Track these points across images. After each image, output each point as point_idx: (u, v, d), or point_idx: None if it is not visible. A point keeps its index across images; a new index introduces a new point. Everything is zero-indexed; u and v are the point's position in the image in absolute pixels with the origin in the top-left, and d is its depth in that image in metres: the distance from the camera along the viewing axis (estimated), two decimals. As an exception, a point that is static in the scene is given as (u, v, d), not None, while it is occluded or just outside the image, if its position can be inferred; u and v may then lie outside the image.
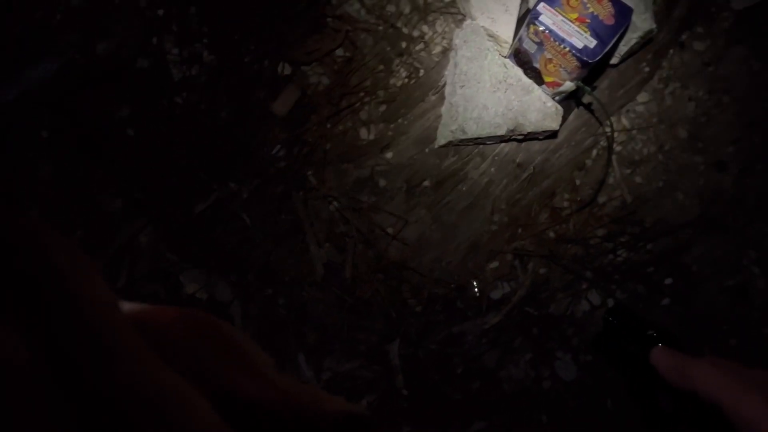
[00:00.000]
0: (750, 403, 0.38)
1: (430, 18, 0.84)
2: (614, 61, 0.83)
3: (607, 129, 0.86)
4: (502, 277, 0.80)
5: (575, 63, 0.73)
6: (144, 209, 0.75)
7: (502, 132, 0.79)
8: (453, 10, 0.83)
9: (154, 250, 0.74)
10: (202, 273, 0.75)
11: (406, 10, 0.84)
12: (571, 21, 0.73)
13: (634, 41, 0.80)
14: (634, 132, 0.87)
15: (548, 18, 0.72)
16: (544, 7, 0.72)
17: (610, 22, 0.73)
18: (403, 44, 0.83)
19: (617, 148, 0.87)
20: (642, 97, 0.88)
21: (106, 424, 0.14)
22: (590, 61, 0.72)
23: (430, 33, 0.84)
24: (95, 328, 0.15)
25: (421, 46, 0.83)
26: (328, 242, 0.77)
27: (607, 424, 0.79)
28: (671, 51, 0.86)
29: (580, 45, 0.72)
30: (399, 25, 0.83)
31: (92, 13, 0.80)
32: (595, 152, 0.86)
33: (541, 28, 0.71)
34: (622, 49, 0.81)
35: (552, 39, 0.73)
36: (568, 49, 0.72)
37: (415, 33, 0.84)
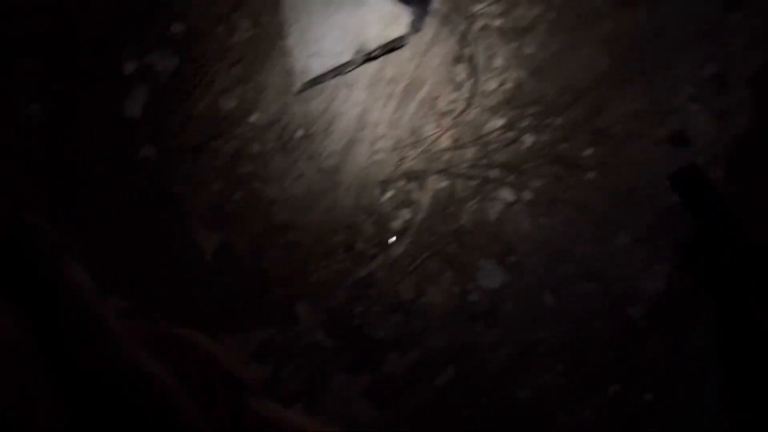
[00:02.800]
0: None
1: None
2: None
3: (479, 5, 0.75)
4: (399, 205, 0.77)
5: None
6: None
7: (346, 59, 0.72)
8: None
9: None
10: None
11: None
12: None
13: None
14: (513, -3, 0.76)
15: None
16: None
17: None
18: (229, -5, 0.77)
19: (496, 22, 0.76)
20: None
21: (87, 394, 0.16)
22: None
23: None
24: (81, 313, 0.18)
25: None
26: (217, 225, 0.78)
27: (551, 320, 0.75)
28: None
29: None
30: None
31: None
32: (470, 36, 0.76)
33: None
34: None
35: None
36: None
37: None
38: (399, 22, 0.70)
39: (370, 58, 0.74)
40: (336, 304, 0.75)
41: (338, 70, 0.75)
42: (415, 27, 0.72)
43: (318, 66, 0.73)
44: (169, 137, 0.79)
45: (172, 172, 0.78)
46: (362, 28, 0.70)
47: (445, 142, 0.77)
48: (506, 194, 0.76)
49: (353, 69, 0.76)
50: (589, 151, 0.75)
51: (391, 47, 0.73)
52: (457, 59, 0.76)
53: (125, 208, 0.78)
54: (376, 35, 0.71)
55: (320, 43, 0.71)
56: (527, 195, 0.76)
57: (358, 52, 0.71)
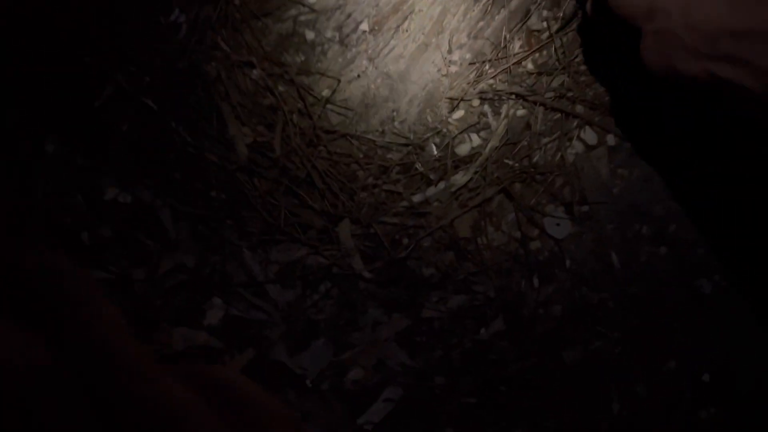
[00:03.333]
0: None
1: None
2: None
3: None
4: (469, 128, 0.66)
5: None
6: (44, 115, 0.65)
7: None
8: None
9: (62, 159, 0.66)
10: (119, 175, 0.66)
11: None
12: None
13: None
14: None
15: None
16: None
17: None
18: None
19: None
20: None
21: (119, 425, 0.17)
22: None
23: None
24: (108, 347, 0.18)
25: None
26: (253, 118, 0.65)
27: (614, 282, 0.67)
28: None
29: None
30: None
31: None
32: (580, -52, 0.66)
33: None
34: None
35: None
36: None
37: None
38: None
39: (467, -54, 0.62)
40: (381, 229, 0.65)
41: (425, -44, 0.63)
42: None
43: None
44: (204, 2, 0.65)
45: (205, 45, 0.65)
46: None
47: (530, 64, 0.67)
48: (588, 136, 0.67)
49: (442, -41, 0.64)
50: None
51: (495, -64, 0.62)
52: (560, -29, 0.65)
53: (157, 75, 0.64)
54: None
55: None
56: (611, 140, 0.68)
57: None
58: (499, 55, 0.66)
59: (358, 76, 0.66)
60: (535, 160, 0.67)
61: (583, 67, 0.66)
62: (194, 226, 0.66)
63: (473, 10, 0.66)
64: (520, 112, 0.67)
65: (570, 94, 0.66)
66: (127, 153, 0.66)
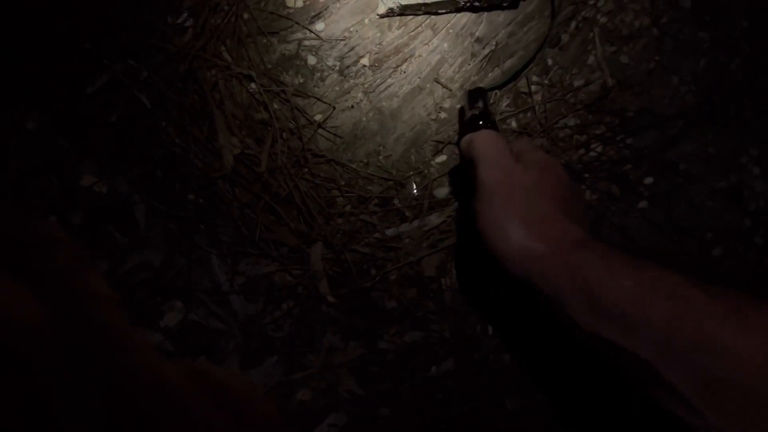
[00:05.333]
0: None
1: None
2: None
3: (591, -5, 0.70)
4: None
5: None
6: (29, 90, 0.65)
7: (452, -7, 0.64)
8: None
9: (43, 138, 0.65)
10: (99, 164, 0.65)
11: None
12: None
13: None
14: (625, 0, 0.71)
15: None
16: None
17: None
18: None
19: (602, 19, 0.71)
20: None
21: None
22: None
23: None
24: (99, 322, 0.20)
25: None
26: (243, 130, 0.66)
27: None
28: None
29: None
30: None
31: None
32: (574, 25, 0.71)
33: None
34: None
35: None
36: None
37: None
38: (519, -23, 0.64)
39: (472, 6, 0.66)
40: (352, 257, 0.66)
41: (433, 8, 0.66)
42: (527, -8, 0.66)
43: (417, -8, 0.64)
44: (213, 11, 0.66)
45: (208, 53, 0.66)
46: (479, -31, 0.63)
47: (515, 122, 0.71)
48: (558, 197, 0.71)
49: (447, 12, 0.68)
50: (648, 180, 0.72)
51: (499, 2, 0.66)
52: (552, 42, 0.70)
53: (155, 73, 0.65)
54: (491, -18, 0.63)
55: (429, -32, 0.63)
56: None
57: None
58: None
59: (352, 106, 0.69)
60: (506, 212, 0.70)
61: (562, 133, 0.71)
62: (167, 225, 0.66)
63: (469, 64, 0.69)
64: (499, 165, 0.70)
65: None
66: (111, 143, 0.65)
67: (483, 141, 0.51)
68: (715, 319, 0.33)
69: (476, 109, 0.60)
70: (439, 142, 0.69)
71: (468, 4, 0.66)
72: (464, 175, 0.52)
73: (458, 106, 0.69)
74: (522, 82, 0.70)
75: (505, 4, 0.67)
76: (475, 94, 0.62)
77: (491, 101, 0.70)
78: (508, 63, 0.70)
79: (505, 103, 0.70)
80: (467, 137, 0.55)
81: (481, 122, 0.58)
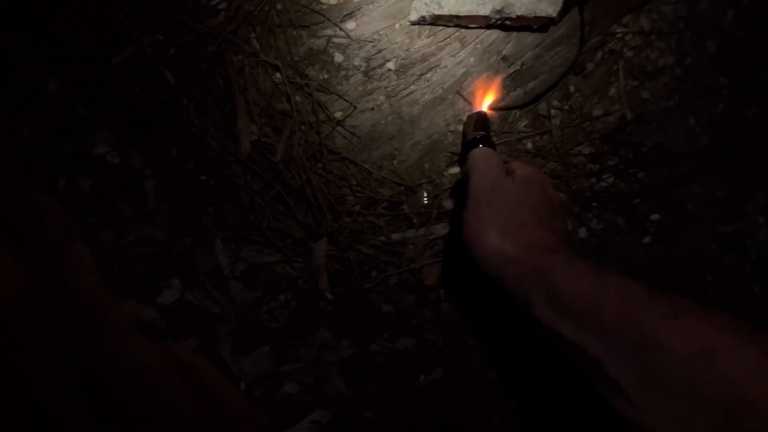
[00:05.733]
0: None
1: None
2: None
3: (620, 29, 0.71)
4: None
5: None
6: (54, 53, 0.65)
7: (486, 11, 0.65)
8: None
9: (63, 101, 0.65)
10: (115, 134, 0.65)
11: None
12: None
13: None
14: (652, 37, 0.72)
15: None
16: None
17: None
18: None
19: (628, 53, 0.72)
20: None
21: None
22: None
23: None
24: (83, 297, 0.19)
25: None
26: (263, 118, 0.67)
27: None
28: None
29: None
30: None
31: None
32: (600, 55, 0.72)
33: None
34: None
35: None
36: None
37: None
38: (553, 2, 0.64)
39: (503, 24, 0.67)
40: (355, 257, 0.67)
41: (464, 21, 0.67)
42: (558, 17, 0.67)
43: (452, 3, 0.65)
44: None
45: (237, 37, 0.66)
46: (515, -12, 0.63)
47: (530, 144, 0.71)
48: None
49: (477, 28, 0.69)
50: (655, 216, 0.73)
51: (530, 24, 0.67)
52: (577, 70, 0.71)
53: (182, 51, 0.65)
54: (525, 2, 0.64)
55: (466, -18, 0.63)
56: (582, 233, 0.72)
57: (498, 11, 0.64)
58: (505, 129, 0.70)
59: (373, 108, 0.69)
60: (511, 231, 0.70)
61: (576, 160, 0.72)
62: (175, 203, 0.66)
63: (493, 81, 0.70)
64: (510, 184, 0.71)
65: (558, 181, 0.71)
66: (129, 115, 0.65)
67: (479, 156, 0.57)
68: (655, 319, 0.37)
69: (477, 133, 0.61)
70: (453, 153, 0.70)
71: (499, 22, 0.67)
72: (464, 190, 0.55)
73: (460, 128, 0.69)
74: (542, 105, 0.71)
75: (535, 27, 0.68)
76: (479, 119, 0.63)
77: (509, 119, 0.71)
78: (531, 84, 0.71)
79: (523, 123, 0.71)
80: (468, 154, 0.58)
81: (480, 144, 0.60)
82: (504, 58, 0.70)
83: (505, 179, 0.53)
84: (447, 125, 0.70)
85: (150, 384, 0.20)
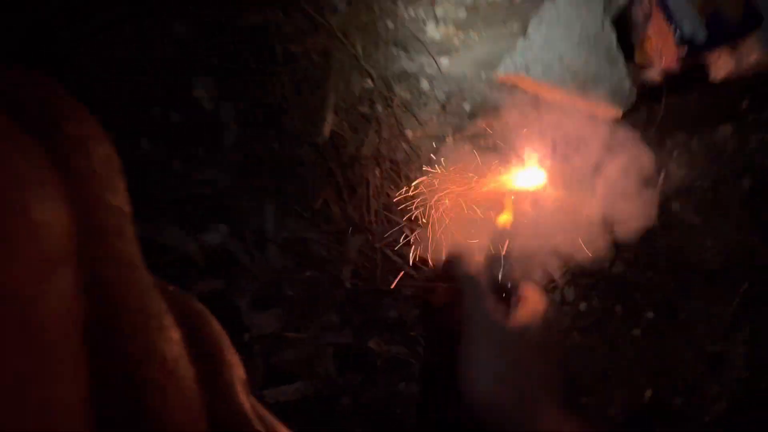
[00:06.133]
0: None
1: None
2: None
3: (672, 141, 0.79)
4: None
5: (674, 48, 0.66)
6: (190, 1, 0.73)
7: (564, 86, 0.73)
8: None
9: (187, 43, 0.72)
10: (215, 82, 0.73)
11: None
12: (692, 3, 0.65)
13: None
14: (698, 158, 0.80)
15: (671, -13, 0.64)
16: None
17: (733, 22, 0.65)
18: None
19: (672, 165, 0.80)
20: (726, 129, 0.81)
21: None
22: (691, 46, 0.64)
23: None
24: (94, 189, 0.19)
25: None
26: (345, 114, 0.74)
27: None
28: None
29: (688, 30, 0.64)
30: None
31: None
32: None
33: (659, -6, 0.64)
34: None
35: (661, 14, 0.65)
36: (673, 29, 0.65)
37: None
38: (623, 100, 0.72)
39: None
40: (382, 260, 0.73)
41: (544, 91, 0.75)
42: (627, 101, 0.74)
43: (538, 72, 0.73)
44: (364, 9, 0.75)
45: (344, 39, 0.74)
46: (596, 78, 0.71)
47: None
48: (569, 293, 0.79)
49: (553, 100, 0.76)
50: (650, 314, 0.80)
51: (600, 114, 0.75)
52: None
53: (294, 32, 0.73)
54: (599, 93, 0.72)
55: (557, 60, 0.72)
56: (582, 306, 0.79)
57: (576, 83, 0.72)
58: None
59: (438, 137, 0.77)
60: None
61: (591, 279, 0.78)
62: (245, 161, 0.73)
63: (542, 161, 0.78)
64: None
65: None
66: (229, 71, 0.73)
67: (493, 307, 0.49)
68: None
69: (508, 280, 0.52)
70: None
71: (581, 90, 0.75)
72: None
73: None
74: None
75: (599, 115, 0.76)
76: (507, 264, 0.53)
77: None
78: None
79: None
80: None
81: (504, 294, 0.51)
82: (566, 138, 0.78)
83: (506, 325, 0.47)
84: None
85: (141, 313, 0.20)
